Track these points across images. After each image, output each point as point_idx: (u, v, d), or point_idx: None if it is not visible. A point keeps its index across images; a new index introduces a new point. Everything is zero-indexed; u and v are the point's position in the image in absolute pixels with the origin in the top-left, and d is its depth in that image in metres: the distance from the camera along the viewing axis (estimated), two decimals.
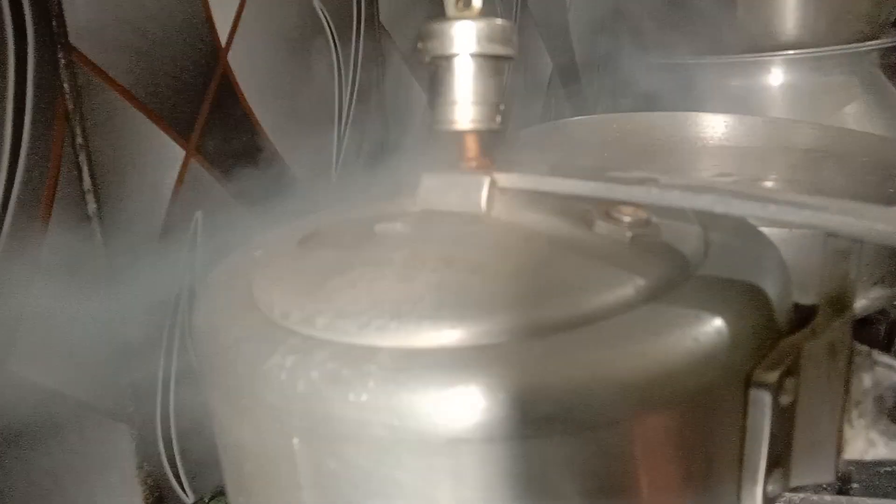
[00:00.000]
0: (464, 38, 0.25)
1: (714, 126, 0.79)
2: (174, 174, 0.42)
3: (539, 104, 0.85)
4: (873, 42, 0.85)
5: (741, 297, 0.22)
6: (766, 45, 0.86)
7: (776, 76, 0.87)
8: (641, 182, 0.24)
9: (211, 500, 0.49)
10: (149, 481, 0.44)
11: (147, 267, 0.41)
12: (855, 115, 0.85)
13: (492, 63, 0.25)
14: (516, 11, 0.77)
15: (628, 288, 0.22)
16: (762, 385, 0.21)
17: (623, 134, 0.79)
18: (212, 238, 0.44)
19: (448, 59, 0.25)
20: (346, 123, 0.53)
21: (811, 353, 0.22)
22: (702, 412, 0.21)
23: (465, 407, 0.19)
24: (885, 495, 0.46)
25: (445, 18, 0.25)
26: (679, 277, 0.23)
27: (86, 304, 0.38)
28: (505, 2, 0.74)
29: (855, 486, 0.47)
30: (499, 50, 0.25)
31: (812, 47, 0.85)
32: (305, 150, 0.49)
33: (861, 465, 0.48)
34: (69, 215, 0.37)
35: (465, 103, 0.26)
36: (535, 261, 0.23)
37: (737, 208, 0.22)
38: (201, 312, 0.25)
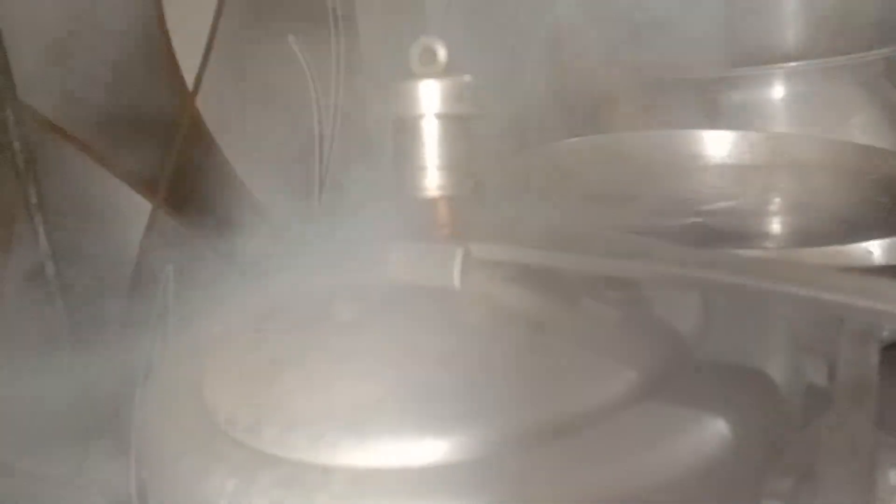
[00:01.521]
0: (428, 98, 0.22)
1: (715, 144, 0.76)
2: (141, 228, 0.40)
3: (532, 126, 0.82)
4: (879, 51, 0.82)
5: (746, 388, 0.20)
6: (767, 56, 0.83)
7: (778, 89, 0.84)
8: (632, 255, 0.21)
9: None
10: None
11: (115, 332, 0.38)
12: (862, 127, 0.82)
13: (460, 123, 0.23)
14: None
15: (618, 385, 0.19)
16: (775, 495, 0.18)
17: (620, 155, 0.76)
18: (186, 295, 0.42)
19: (413, 120, 0.23)
20: (328, 163, 0.50)
21: (829, 449, 0.20)
22: None
23: None
24: None
25: (408, 77, 0.23)
26: (676, 366, 0.20)
27: (49, 375, 0.36)
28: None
29: None
30: (468, 109, 0.23)
31: (814, 57, 0.82)
32: (285, 194, 0.47)
33: None
34: (26, 282, 0.35)
35: (433, 168, 0.23)
36: (512, 352, 0.20)
37: (747, 294, 0.19)
38: (147, 407, 0.23)
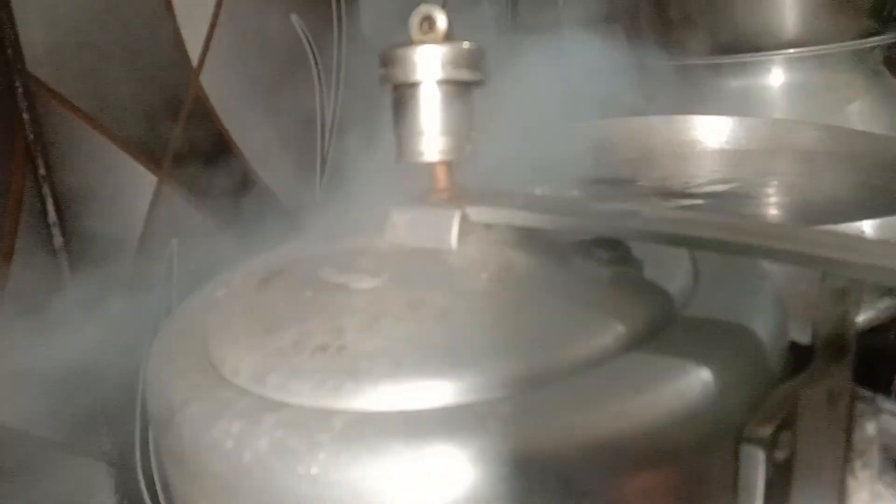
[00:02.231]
0: (428, 64, 0.23)
1: (713, 129, 0.77)
2: (146, 202, 0.40)
3: (531, 109, 0.83)
4: (877, 38, 0.83)
5: (730, 342, 0.20)
6: (766, 43, 0.84)
7: (777, 76, 0.85)
8: (622, 215, 0.22)
9: None
10: None
11: (120, 301, 0.39)
12: (859, 114, 0.83)
13: (459, 89, 0.24)
14: (508, 15, 0.76)
15: (606, 336, 0.20)
16: (754, 441, 0.19)
17: (620, 139, 0.77)
18: (189, 266, 0.42)
19: (412, 86, 0.23)
20: (330, 141, 0.51)
21: (808, 401, 0.20)
22: (689, 472, 0.19)
23: (425, 480, 0.17)
24: None
25: (408, 43, 0.23)
26: (663, 321, 0.21)
27: (55, 342, 0.37)
28: (496, 4, 0.73)
29: None
30: (466, 75, 0.23)
31: (813, 45, 0.83)
32: (287, 170, 0.48)
33: None
34: (34, 250, 0.36)
35: (432, 133, 0.24)
36: (506, 306, 0.21)
37: (730, 247, 0.20)
38: (154, 363, 0.24)
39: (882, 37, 0.83)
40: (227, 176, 0.44)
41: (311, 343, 0.21)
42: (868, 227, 0.48)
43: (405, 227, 0.25)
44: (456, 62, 0.23)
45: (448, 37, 0.23)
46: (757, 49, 0.84)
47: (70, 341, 0.38)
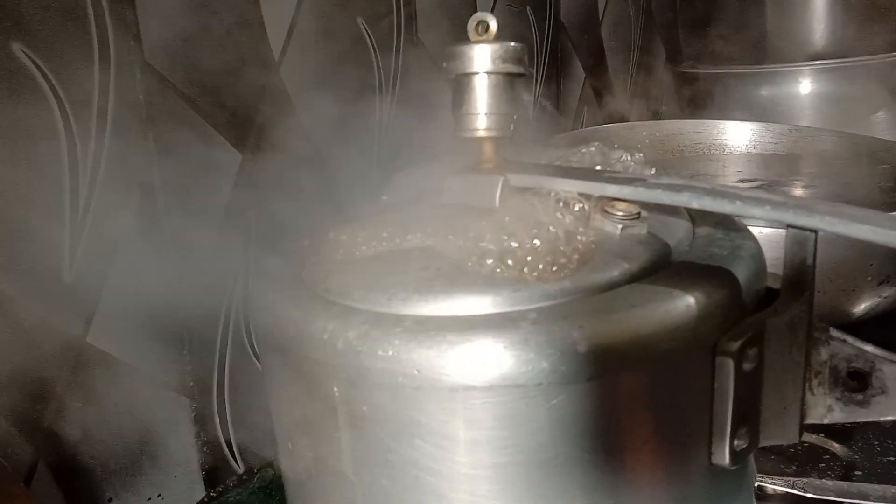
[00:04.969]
0: (482, 59, 0.29)
1: (740, 133, 0.82)
2: (232, 175, 0.47)
3: (572, 112, 0.89)
4: None
5: (712, 280, 0.26)
6: (796, 55, 0.89)
7: (805, 86, 0.89)
8: (631, 181, 0.28)
9: (259, 471, 0.54)
10: (205, 450, 0.50)
11: (208, 258, 0.46)
12: (883, 123, 0.87)
13: (506, 80, 0.30)
14: (549, 25, 0.81)
15: (614, 271, 0.26)
16: (725, 352, 0.25)
17: (653, 141, 0.83)
18: (264, 232, 0.49)
19: (469, 76, 0.30)
20: (386, 129, 0.57)
21: (774, 328, 0.26)
22: (673, 373, 0.25)
23: (469, 360, 0.23)
24: (887, 482, 0.48)
25: (467, 42, 0.29)
26: (660, 263, 0.27)
27: (155, 290, 0.44)
28: (538, 16, 0.78)
29: (858, 473, 0.50)
30: (512, 69, 0.29)
31: (840, 57, 0.87)
32: (348, 154, 0.54)
33: (865, 453, 0.51)
34: (143, 208, 0.43)
35: (483, 114, 0.30)
36: (537, 248, 0.27)
37: (709, 204, 0.26)
38: (258, 291, 0.30)
39: None
40: (298, 157, 0.51)
41: (386, 269, 0.27)
42: None
43: (459, 190, 0.31)
44: (504, 58, 0.29)
45: (498, 37, 0.29)
46: (787, 60, 0.89)
47: (167, 291, 0.44)
